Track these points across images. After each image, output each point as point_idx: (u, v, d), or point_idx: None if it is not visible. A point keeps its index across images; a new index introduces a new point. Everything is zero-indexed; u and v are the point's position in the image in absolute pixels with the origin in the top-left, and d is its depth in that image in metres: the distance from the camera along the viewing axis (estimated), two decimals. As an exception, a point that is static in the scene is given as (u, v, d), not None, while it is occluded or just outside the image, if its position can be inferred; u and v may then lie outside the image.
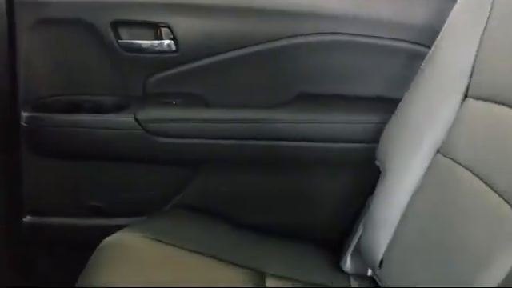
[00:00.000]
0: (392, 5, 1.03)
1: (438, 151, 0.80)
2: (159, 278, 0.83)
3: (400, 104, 0.92)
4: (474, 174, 0.70)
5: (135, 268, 0.85)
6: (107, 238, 0.91)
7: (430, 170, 0.80)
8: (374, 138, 0.96)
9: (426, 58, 0.89)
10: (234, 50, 1.05)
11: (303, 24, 1.03)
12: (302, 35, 1.03)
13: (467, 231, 0.67)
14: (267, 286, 0.86)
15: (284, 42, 1.04)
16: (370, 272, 0.94)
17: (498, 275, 0.59)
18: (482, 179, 0.68)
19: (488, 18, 0.79)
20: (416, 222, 0.80)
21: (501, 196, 0.64)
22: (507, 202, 0.62)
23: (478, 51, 0.79)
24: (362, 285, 0.91)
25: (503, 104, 0.70)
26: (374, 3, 1.03)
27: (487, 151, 0.70)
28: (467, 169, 0.72)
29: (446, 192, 0.75)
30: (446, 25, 0.87)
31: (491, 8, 0.79)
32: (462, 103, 0.80)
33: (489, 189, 0.66)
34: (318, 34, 1.03)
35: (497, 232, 0.62)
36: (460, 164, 0.74)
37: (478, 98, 0.77)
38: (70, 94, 1.09)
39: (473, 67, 0.79)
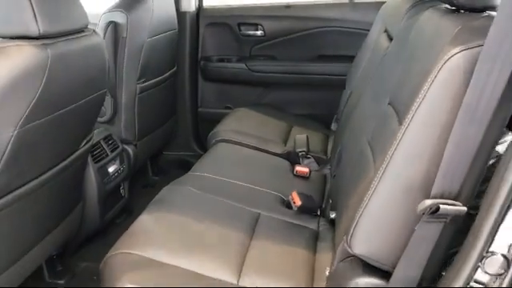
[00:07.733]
0: (355, 13, 2.34)
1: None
2: (252, 120, 2.22)
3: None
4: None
5: (240, 118, 2.24)
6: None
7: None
8: (346, 72, 2.25)
9: (367, 36, 2.15)
10: (289, 35, 2.43)
11: (317, 22, 2.38)
12: (317, 28, 2.38)
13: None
14: (292, 131, 2.20)
15: (311, 31, 2.40)
16: (341, 129, 2.24)
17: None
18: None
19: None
20: (352, 100, 2.09)
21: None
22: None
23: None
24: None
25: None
26: (347, 12, 2.34)
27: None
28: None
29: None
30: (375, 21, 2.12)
31: None
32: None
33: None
34: (323, 27, 2.38)
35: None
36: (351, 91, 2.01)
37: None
38: (219, 55, 2.55)
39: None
